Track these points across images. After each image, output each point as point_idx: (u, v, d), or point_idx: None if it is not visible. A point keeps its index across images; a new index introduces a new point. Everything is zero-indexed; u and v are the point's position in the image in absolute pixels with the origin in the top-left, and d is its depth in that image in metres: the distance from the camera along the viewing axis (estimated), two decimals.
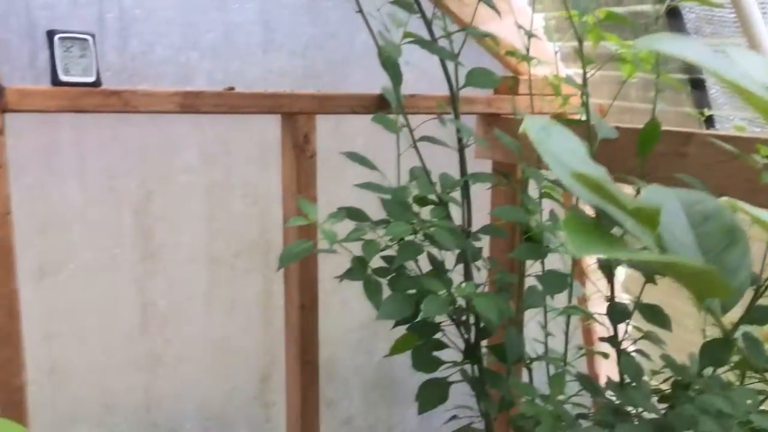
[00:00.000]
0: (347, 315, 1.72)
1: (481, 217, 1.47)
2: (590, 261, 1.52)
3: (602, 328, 1.37)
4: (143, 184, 1.45)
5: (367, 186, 1.30)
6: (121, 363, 1.47)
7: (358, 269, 1.24)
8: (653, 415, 1.07)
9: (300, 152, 1.47)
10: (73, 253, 1.40)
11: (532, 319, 1.52)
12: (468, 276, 1.36)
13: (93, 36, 1.28)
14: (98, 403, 1.45)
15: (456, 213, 1.38)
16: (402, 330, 1.42)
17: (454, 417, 1.50)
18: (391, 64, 1.28)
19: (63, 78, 1.25)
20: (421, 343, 1.31)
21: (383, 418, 1.81)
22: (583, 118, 1.27)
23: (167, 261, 1.49)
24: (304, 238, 1.34)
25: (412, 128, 1.40)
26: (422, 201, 1.29)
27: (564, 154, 0.46)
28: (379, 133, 1.66)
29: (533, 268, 1.43)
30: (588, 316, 1.40)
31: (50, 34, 1.25)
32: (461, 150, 1.35)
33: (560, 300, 1.39)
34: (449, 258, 1.41)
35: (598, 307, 1.44)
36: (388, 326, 1.75)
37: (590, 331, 1.83)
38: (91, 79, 1.28)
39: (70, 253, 1.39)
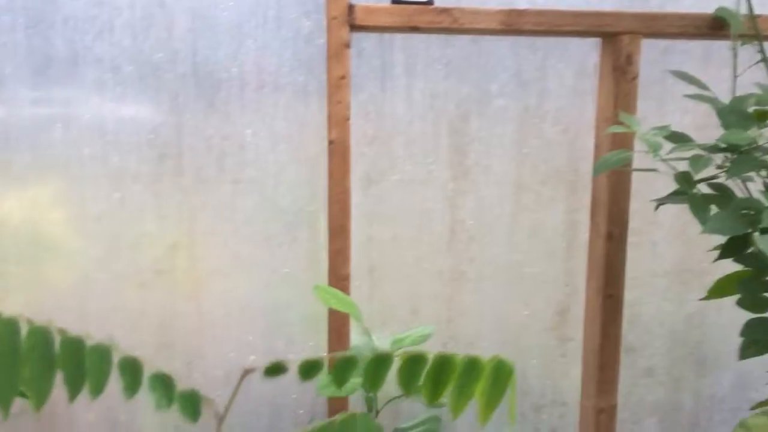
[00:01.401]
0: (655, 258, 1.61)
1: None
2: None
3: None
4: (461, 104, 1.52)
5: (699, 97, 1.19)
6: (429, 273, 1.57)
7: (683, 185, 1.15)
8: None
9: (620, 74, 1.40)
10: (396, 165, 1.53)
11: None
12: None
13: None
14: (406, 307, 1.57)
15: None
16: (719, 276, 1.29)
17: None
18: None
19: None
20: (750, 277, 1.16)
21: (689, 377, 1.65)
22: None
23: (477, 181, 1.54)
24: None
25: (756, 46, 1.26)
26: (765, 115, 1.15)
27: None
28: (710, 65, 1.52)
29: None
30: None
31: None
32: None
33: None
34: None
35: None
36: (699, 275, 1.60)
37: None
38: None
39: (392, 164, 1.52)
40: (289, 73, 1.48)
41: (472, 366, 0.62)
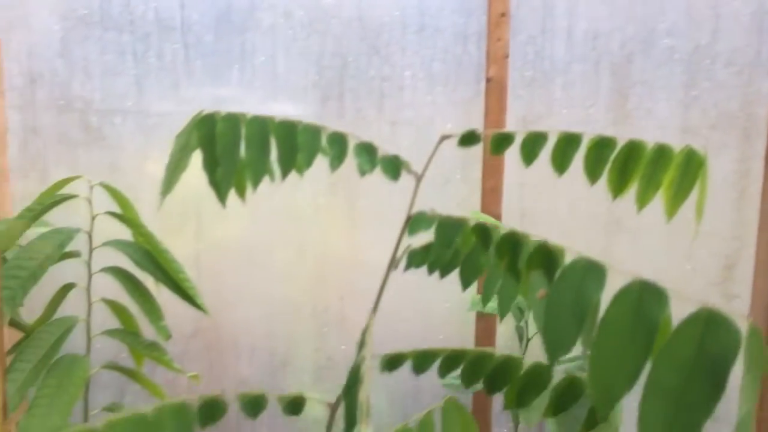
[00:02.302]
0: None
1: None
2: None
3: None
4: (625, 45, 1.47)
5: None
6: (583, 220, 1.53)
7: None
8: None
9: None
10: (553, 108, 1.51)
11: None
12: None
13: None
14: None
15: None
16: None
17: None
18: None
19: None
20: None
21: None
22: None
23: (639, 126, 1.49)
24: None
25: None
26: None
27: None
28: None
29: None
30: None
31: None
32: None
33: None
34: None
35: None
36: None
37: None
38: None
39: (549, 107, 1.51)
40: (449, 15, 1.50)
41: (662, 154, 0.61)
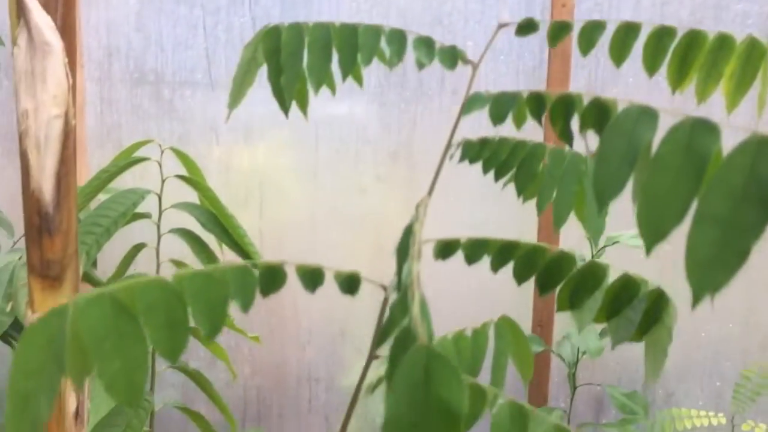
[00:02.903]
0: None
1: None
2: None
3: None
4: (695, 11, 1.43)
5: None
6: None
7: None
8: None
9: None
10: (619, 75, 1.48)
11: None
12: None
13: None
14: (628, 223, 1.52)
15: None
16: None
17: None
18: None
19: None
20: None
21: None
22: None
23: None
24: None
25: None
26: None
27: None
28: None
29: None
30: None
31: None
32: None
33: None
34: None
35: None
36: None
37: None
38: None
39: (615, 75, 1.48)
40: None
41: (723, 43, 0.59)
